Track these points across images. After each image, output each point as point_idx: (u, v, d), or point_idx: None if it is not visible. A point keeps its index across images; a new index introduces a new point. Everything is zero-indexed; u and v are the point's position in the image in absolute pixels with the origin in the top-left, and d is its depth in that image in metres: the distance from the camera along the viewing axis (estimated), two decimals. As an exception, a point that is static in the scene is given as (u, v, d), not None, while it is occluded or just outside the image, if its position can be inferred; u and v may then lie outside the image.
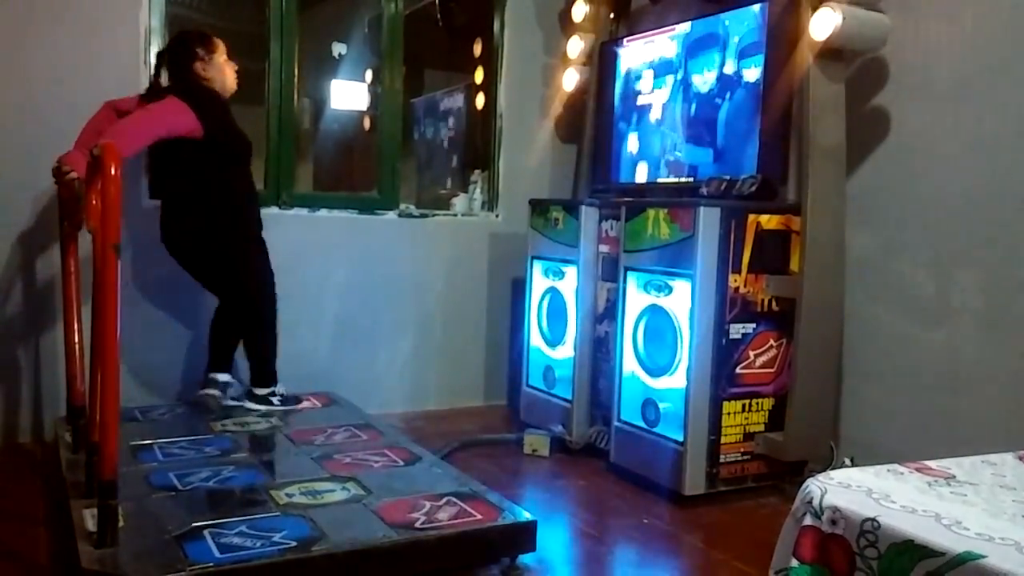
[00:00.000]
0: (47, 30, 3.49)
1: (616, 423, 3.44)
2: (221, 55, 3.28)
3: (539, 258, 4.01)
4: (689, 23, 3.67)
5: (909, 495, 1.81)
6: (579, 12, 4.32)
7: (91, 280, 2.44)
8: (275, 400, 3.58)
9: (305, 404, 3.78)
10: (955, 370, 3.06)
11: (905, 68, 3.24)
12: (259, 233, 3.46)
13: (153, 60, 3.51)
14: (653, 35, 3.89)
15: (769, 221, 3.19)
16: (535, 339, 4.06)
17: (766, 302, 3.22)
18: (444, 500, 2.59)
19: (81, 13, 3.55)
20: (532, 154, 4.62)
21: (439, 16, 5.60)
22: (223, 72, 3.28)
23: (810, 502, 1.85)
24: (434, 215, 4.49)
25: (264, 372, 3.59)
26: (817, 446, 3.27)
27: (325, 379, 4.07)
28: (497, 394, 4.60)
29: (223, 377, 3.56)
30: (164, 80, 3.33)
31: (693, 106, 3.66)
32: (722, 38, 3.50)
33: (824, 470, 2.33)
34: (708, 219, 3.07)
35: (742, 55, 3.40)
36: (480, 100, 4.86)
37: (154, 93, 3.24)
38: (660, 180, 3.83)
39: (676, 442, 3.16)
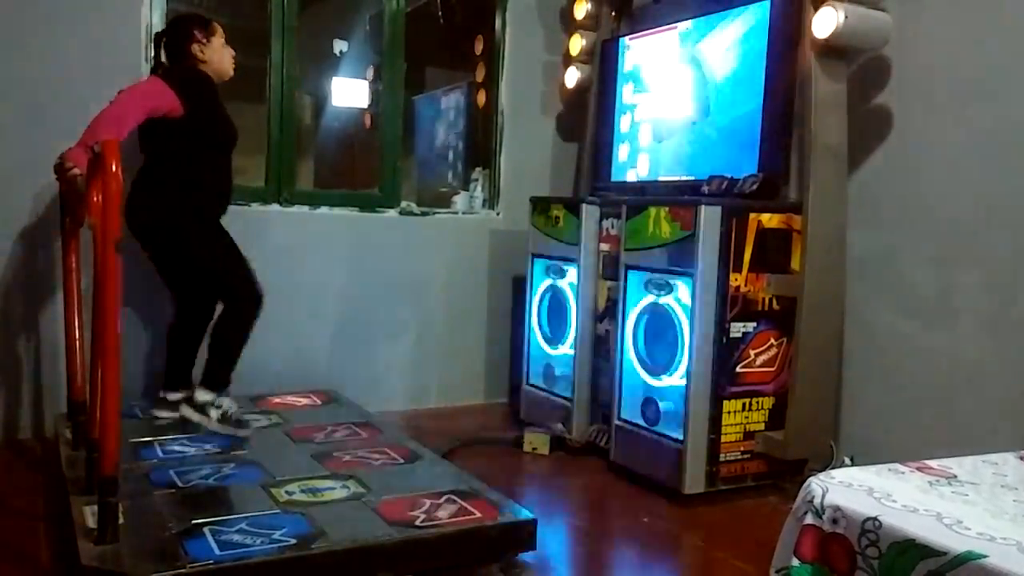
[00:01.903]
0: (48, 26, 3.49)
1: (616, 422, 3.44)
2: (219, 39, 3.23)
3: (540, 256, 4.01)
4: (691, 21, 3.67)
5: (910, 494, 1.81)
6: (581, 10, 4.32)
7: (92, 276, 2.44)
8: (213, 413, 3.17)
9: (305, 402, 3.78)
10: (956, 369, 3.06)
11: (907, 67, 3.24)
12: (218, 223, 3.26)
13: (153, 45, 3.49)
14: (655, 33, 3.89)
15: (770, 220, 3.19)
16: (536, 337, 4.05)
17: (767, 301, 3.22)
18: (444, 498, 2.59)
19: (82, 9, 3.54)
20: (533, 152, 4.61)
21: (440, 13, 5.60)
22: (220, 56, 3.23)
23: (811, 501, 1.85)
24: (435, 213, 4.49)
25: (216, 376, 3.22)
26: (817, 445, 3.27)
27: (325, 376, 4.07)
28: (497, 392, 4.60)
29: (174, 396, 3.32)
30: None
31: (695, 104, 3.66)
32: (724, 36, 3.49)
33: (824, 469, 2.34)
34: (709, 218, 3.06)
35: (744, 53, 3.39)
36: (481, 98, 4.86)
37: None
38: (661, 178, 3.82)
39: (676, 441, 3.15)
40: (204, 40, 3.18)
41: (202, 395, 3.19)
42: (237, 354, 3.25)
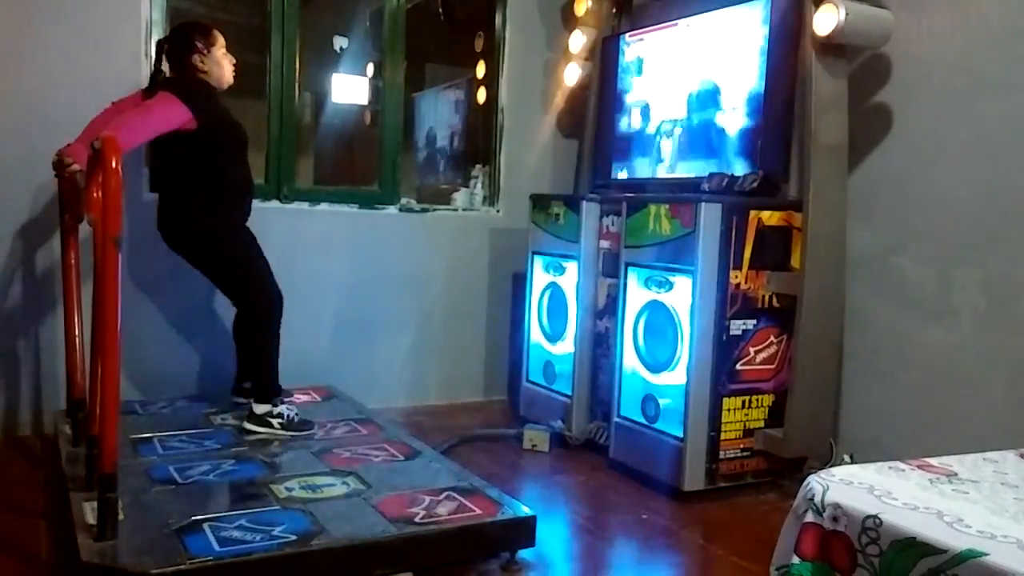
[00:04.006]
0: (48, 23, 3.48)
1: (616, 419, 3.44)
2: (220, 48, 3.26)
3: (540, 253, 4.01)
4: (691, 18, 3.66)
5: (911, 492, 1.81)
6: (581, 6, 4.32)
7: (92, 273, 2.43)
8: (275, 423, 3.23)
9: (305, 399, 3.78)
10: (955, 367, 3.06)
11: (908, 65, 3.23)
12: (244, 223, 3.32)
13: (154, 51, 3.50)
14: (656, 30, 3.88)
15: (770, 217, 3.18)
16: (535, 334, 4.05)
17: (767, 298, 3.22)
18: (443, 495, 2.60)
19: (82, 6, 3.54)
20: (533, 149, 4.61)
21: (441, 10, 5.59)
22: (221, 65, 3.25)
23: (812, 499, 1.85)
24: (435, 209, 4.48)
25: (263, 386, 3.30)
26: (817, 443, 3.27)
27: (325, 373, 4.07)
28: (497, 389, 4.60)
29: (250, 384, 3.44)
30: (166, 69, 3.31)
31: (695, 101, 3.65)
32: (724, 33, 3.49)
33: (824, 467, 2.34)
34: (709, 215, 3.06)
35: (744, 51, 3.39)
36: (482, 95, 4.85)
37: (153, 85, 3.23)
38: (661, 176, 3.82)
39: (676, 438, 3.16)
40: (205, 51, 3.20)
41: (259, 408, 3.24)
42: (274, 358, 3.31)
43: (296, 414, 3.30)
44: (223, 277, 3.31)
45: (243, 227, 3.31)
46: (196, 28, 3.27)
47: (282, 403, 3.31)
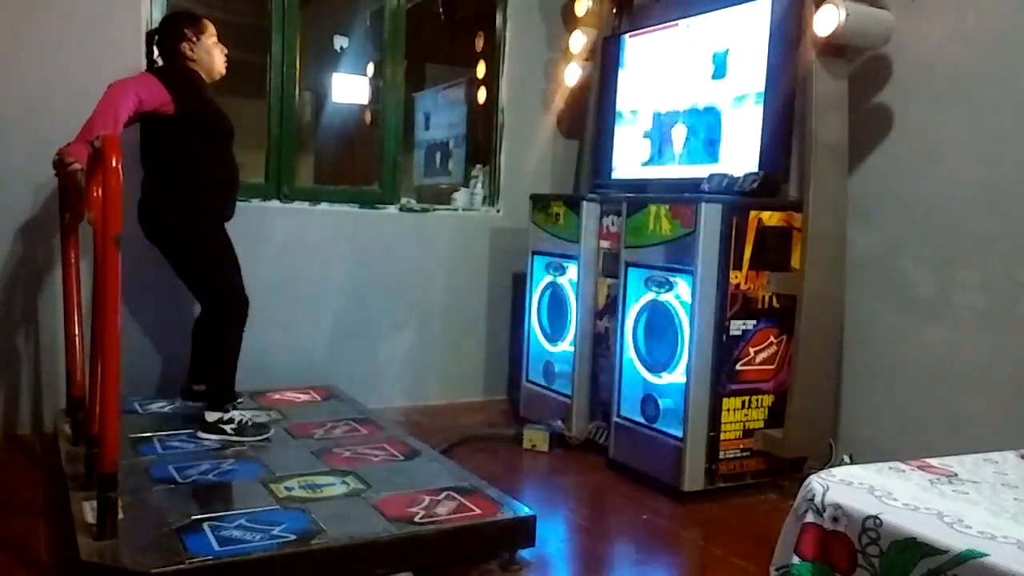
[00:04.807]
0: (48, 21, 3.48)
1: (616, 419, 3.44)
2: (210, 37, 3.21)
3: (540, 253, 4.01)
4: (691, 18, 3.66)
5: (911, 493, 1.81)
6: (582, 7, 4.32)
7: (92, 272, 2.43)
8: (228, 428, 3.11)
9: (304, 398, 3.78)
10: (955, 368, 3.06)
11: (908, 65, 3.23)
12: (223, 222, 3.25)
13: (145, 43, 3.48)
14: (656, 30, 3.88)
15: (770, 218, 3.18)
16: (535, 334, 4.05)
17: (767, 299, 3.22)
18: (443, 495, 2.60)
19: (82, 6, 3.54)
20: (533, 149, 4.61)
21: (441, 10, 5.60)
22: (211, 54, 3.20)
23: (812, 499, 1.85)
24: (435, 209, 4.48)
25: (217, 392, 3.18)
26: (816, 443, 3.27)
27: (325, 373, 4.07)
28: (497, 389, 4.60)
29: (200, 388, 3.35)
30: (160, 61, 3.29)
31: (695, 101, 3.65)
32: (725, 33, 3.49)
33: (823, 467, 2.34)
34: (709, 215, 3.06)
35: (745, 51, 3.39)
36: (482, 94, 4.85)
37: None
38: (661, 176, 3.82)
39: (676, 438, 3.16)
40: (194, 39, 3.16)
41: (211, 415, 3.14)
42: (230, 364, 3.23)
43: (249, 419, 3.19)
44: (190, 274, 3.20)
45: (220, 226, 3.23)
46: (185, 17, 3.24)
47: (234, 408, 3.21)
